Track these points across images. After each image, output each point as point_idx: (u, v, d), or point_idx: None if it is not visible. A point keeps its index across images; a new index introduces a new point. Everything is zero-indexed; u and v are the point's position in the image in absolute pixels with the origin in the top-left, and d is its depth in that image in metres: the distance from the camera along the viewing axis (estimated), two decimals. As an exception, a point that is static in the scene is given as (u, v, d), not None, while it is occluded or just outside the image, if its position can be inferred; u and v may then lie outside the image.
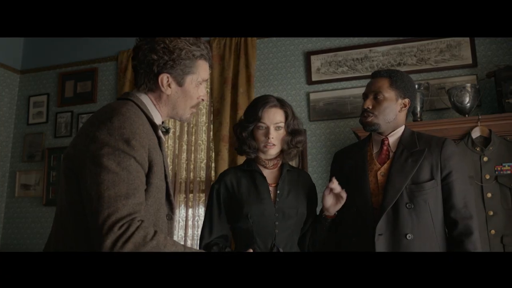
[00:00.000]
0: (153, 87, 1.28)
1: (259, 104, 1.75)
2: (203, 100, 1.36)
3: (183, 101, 1.31)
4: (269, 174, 1.79)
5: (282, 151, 1.78)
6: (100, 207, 1.03)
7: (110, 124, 1.10)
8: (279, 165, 1.81)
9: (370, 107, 1.76)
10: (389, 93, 1.75)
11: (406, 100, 1.78)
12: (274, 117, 1.73)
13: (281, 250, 1.66)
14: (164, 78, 1.26)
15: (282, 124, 1.74)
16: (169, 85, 1.27)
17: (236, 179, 1.78)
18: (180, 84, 1.29)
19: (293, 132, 1.77)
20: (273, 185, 1.77)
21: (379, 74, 1.81)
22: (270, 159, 1.78)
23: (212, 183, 1.86)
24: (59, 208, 1.20)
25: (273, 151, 1.74)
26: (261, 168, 1.78)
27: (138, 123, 1.15)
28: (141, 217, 1.08)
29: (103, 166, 1.06)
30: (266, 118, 1.72)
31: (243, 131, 1.77)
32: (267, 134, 1.72)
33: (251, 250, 1.57)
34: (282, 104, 1.77)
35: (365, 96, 1.81)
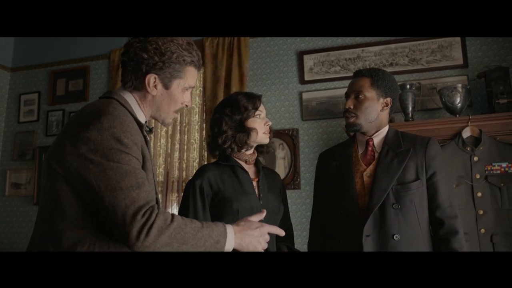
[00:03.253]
0: (139, 86, 1.28)
1: (253, 96, 1.80)
2: (187, 106, 1.35)
3: (167, 104, 1.31)
4: (249, 169, 1.79)
5: (259, 146, 1.83)
6: (115, 200, 1.06)
7: (99, 124, 1.10)
8: (255, 161, 1.84)
9: (352, 107, 1.75)
10: (370, 93, 1.74)
11: (388, 99, 1.77)
12: (264, 108, 1.82)
13: (269, 249, 1.64)
14: (151, 78, 1.26)
15: None
16: (155, 86, 1.27)
17: (219, 175, 1.73)
18: (166, 86, 1.29)
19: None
20: (255, 180, 1.78)
21: (360, 74, 1.80)
22: (251, 153, 1.80)
23: (189, 179, 1.79)
24: (42, 207, 1.19)
25: (269, 138, 1.80)
26: (241, 163, 1.77)
27: (127, 121, 1.15)
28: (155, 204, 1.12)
29: (105, 164, 1.07)
30: (262, 108, 1.80)
31: (236, 122, 1.74)
32: (266, 122, 1.78)
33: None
34: None
35: (346, 95, 1.80)
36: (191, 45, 1.32)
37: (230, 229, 1.21)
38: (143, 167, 1.18)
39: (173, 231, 1.08)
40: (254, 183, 1.75)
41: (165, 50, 1.25)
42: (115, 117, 1.12)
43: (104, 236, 1.12)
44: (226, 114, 1.75)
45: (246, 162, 1.78)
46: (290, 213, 2.07)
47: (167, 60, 1.25)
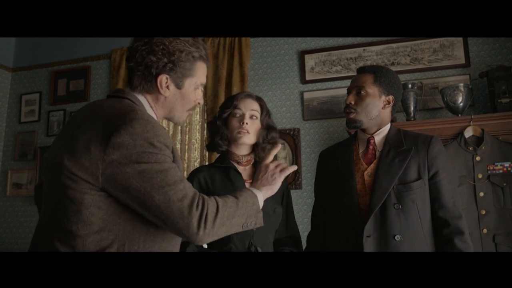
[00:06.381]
0: (151, 89, 1.26)
1: (236, 95, 1.81)
2: (199, 103, 1.35)
3: (181, 104, 1.30)
4: (243, 171, 1.76)
5: (256, 147, 1.77)
6: (167, 196, 1.07)
7: (131, 129, 1.07)
8: (252, 162, 1.80)
9: (352, 102, 1.73)
10: (372, 89, 1.72)
11: (390, 97, 1.74)
12: (250, 105, 1.76)
13: (259, 249, 1.63)
14: (163, 79, 1.24)
15: (258, 114, 1.76)
16: (167, 87, 1.25)
17: (210, 176, 1.73)
18: (179, 86, 1.27)
19: (268, 127, 1.78)
20: (248, 181, 1.74)
21: (363, 70, 1.78)
22: (244, 155, 1.76)
23: None
24: (51, 211, 1.14)
25: (247, 139, 1.72)
26: (235, 165, 1.75)
27: (157, 124, 1.14)
28: None
29: (143, 166, 1.07)
30: (242, 105, 1.75)
31: (217, 120, 1.78)
32: (241, 120, 1.72)
33: None
34: (258, 98, 1.83)
35: (348, 91, 1.78)
36: (197, 40, 1.31)
37: (253, 188, 1.30)
38: None
39: (221, 212, 1.13)
40: (247, 184, 1.72)
41: (173, 49, 1.23)
42: (146, 122, 1.10)
43: (133, 237, 1.11)
44: (219, 110, 1.84)
45: (238, 163, 1.76)
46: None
47: (176, 59, 1.24)
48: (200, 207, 1.09)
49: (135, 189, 1.06)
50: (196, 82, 1.31)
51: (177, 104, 1.29)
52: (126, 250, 1.09)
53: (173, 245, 1.21)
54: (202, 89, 3.46)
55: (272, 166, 1.37)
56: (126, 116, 1.10)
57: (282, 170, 1.36)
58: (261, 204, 1.27)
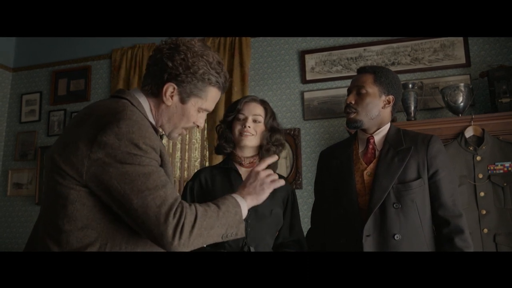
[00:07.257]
0: (156, 93, 1.24)
1: (240, 99, 1.84)
2: (198, 126, 1.33)
3: (178, 119, 1.28)
4: (245, 172, 1.77)
5: (260, 149, 1.78)
6: (145, 201, 1.05)
7: (117, 129, 1.07)
8: (256, 164, 1.80)
9: (353, 102, 1.73)
10: (372, 89, 1.72)
11: (390, 97, 1.74)
12: (254, 109, 1.78)
13: (252, 250, 1.63)
14: (169, 87, 1.23)
15: (261, 118, 1.77)
16: (171, 97, 1.24)
17: (211, 176, 1.77)
18: (182, 101, 1.25)
19: (272, 129, 1.80)
20: None
21: (364, 70, 1.79)
22: (247, 157, 1.78)
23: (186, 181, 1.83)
24: (45, 206, 1.16)
25: (249, 141, 1.74)
26: (238, 166, 1.78)
27: (145, 126, 1.12)
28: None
29: (126, 167, 1.06)
30: (245, 109, 1.77)
31: (222, 123, 1.83)
32: (244, 124, 1.75)
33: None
34: (263, 101, 1.83)
35: (348, 91, 1.79)
36: (221, 65, 1.28)
37: (237, 197, 1.23)
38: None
39: (200, 222, 1.09)
40: None
41: (192, 64, 1.22)
42: (134, 122, 1.10)
43: (116, 237, 1.11)
44: (224, 113, 1.87)
45: (240, 164, 1.78)
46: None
47: (191, 74, 1.22)
48: (177, 215, 1.06)
49: (115, 190, 1.06)
50: (202, 105, 1.28)
51: (175, 117, 1.27)
52: (108, 249, 1.09)
53: (156, 250, 1.17)
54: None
55: (263, 174, 1.30)
56: (114, 115, 1.10)
57: (272, 181, 1.30)
58: (244, 213, 1.21)
